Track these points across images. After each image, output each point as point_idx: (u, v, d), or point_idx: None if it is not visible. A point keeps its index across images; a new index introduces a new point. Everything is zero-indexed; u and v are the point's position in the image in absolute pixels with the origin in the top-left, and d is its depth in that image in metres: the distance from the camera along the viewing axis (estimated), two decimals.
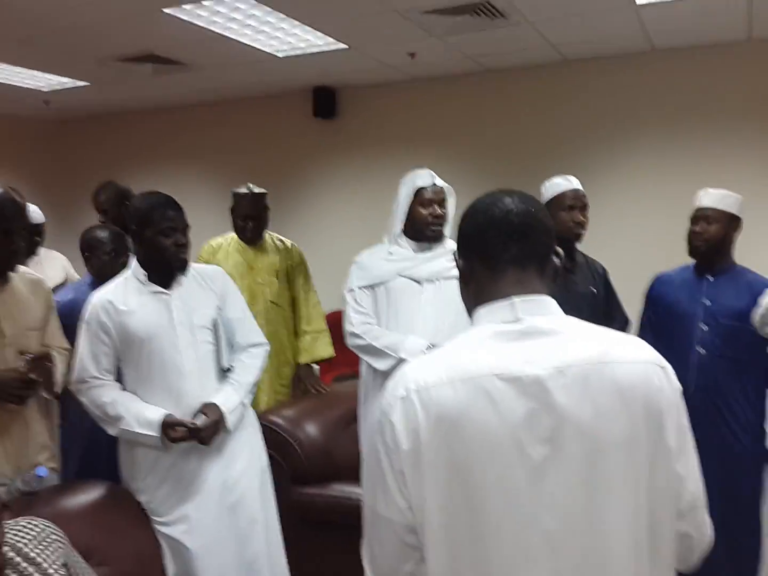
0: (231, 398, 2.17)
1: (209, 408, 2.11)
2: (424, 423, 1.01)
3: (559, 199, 2.60)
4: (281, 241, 3.45)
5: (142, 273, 2.18)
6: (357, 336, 2.53)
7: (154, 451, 2.11)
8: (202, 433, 2.05)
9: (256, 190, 3.32)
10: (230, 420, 2.14)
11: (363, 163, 5.83)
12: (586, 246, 2.75)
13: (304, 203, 6.03)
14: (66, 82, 5.62)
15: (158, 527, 2.14)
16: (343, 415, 2.97)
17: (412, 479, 1.01)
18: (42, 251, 3.31)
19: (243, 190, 3.30)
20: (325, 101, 5.83)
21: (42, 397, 2.20)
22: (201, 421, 2.06)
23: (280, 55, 4.86)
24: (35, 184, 7.64)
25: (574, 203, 2.59)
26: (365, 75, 5.48)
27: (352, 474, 2.59)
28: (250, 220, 3.26)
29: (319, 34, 4.39)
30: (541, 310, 1.07)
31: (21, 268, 2.21)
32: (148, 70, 5.16)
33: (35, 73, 5.38)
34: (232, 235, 3.39)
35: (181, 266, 2.19)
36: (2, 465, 2.04)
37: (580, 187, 2.64)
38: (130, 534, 2.07)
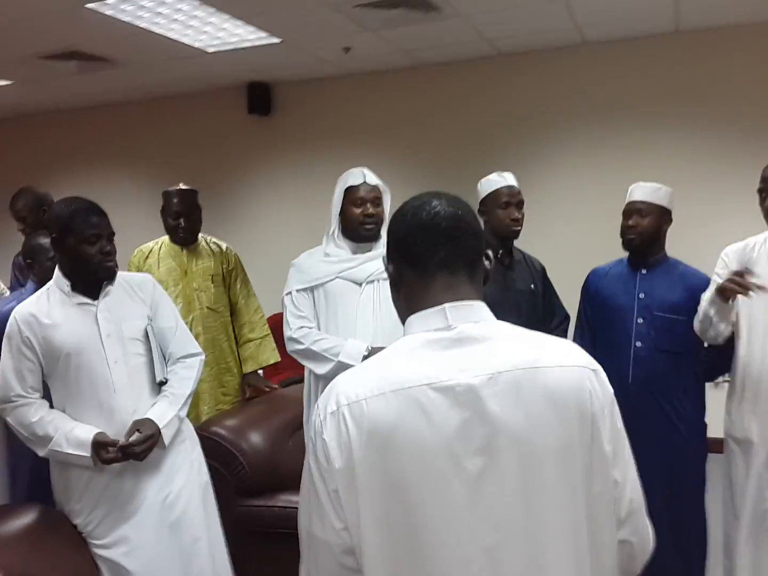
0: (166, 412, 2.08)
1: (143, 423, 2.02)
2: (356, 438, 0.97)
3: (495, 197, 2.59)
4: (216, 244, 3.34)
5: (65, 283, 2.08)
6: (295, 341, 2.47)
7: (88, 471, 2.02)
8: (135, 449, 1.96)
9: (185, 187, 3.23)
10: (166, 434, 2.06)
11: (300, 161, 5.74)
12: (523, 243, 2.75)
13: (240, 204, 5.92)
14: None
15: (96, 550, 2.05)
16: (289, 421, 2.90)
17: (347, 498, 0.98)
18: None
19: (172, 188, 3.21)
20: (259, 97, 5.72)
21: None
22: (134, 437, 1.97)
23: (210, 50, 4.74)
24: None
25: (509, 200, 2.58)
26: (300, 70, 5.39)
27: (299, 483, 2.53)
28: (181, 217, 3.16)
29: (251, 28, 4.29)
30: (472, 316, 1.05)
31: None
32: (73, 68, 4.96)
33: None
34: (164, 239, 3.27)
35: (108, 275, 2.09)
36: None
37: (515, 183, 2.64)
38: (67, 559, 1.98)
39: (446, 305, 1.04)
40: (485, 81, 5.17)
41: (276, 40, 4.57)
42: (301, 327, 2.48)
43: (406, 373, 1.00)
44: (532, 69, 5.03)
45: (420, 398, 0.97)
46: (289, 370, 3.97)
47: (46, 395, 2.10)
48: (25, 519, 2.04)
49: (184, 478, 2.14)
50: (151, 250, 3.21)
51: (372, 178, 2.51)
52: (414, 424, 0.97)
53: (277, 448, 2.84)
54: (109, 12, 3.85)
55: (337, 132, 5.60)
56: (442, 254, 1.06)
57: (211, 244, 3.32)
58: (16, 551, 1.89)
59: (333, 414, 0.99)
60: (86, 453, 1.96)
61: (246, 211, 5.89)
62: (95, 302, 2.08)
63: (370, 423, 0.97)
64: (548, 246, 3.64)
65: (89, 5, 3.72)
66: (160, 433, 2.03)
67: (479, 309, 1.07)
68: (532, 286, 2.63)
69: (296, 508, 2.55)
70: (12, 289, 3.42)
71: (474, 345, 1.01)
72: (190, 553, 2.07)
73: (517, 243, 2.71)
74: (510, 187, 2.62)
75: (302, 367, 2.63)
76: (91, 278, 2.07)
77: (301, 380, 2.83)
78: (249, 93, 5.73)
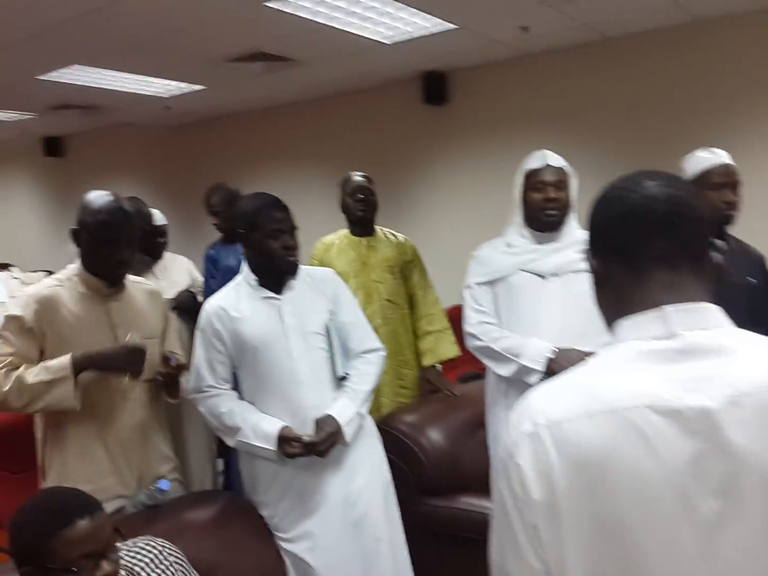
0: (347, 409, 2.06)
1: (325, 420, 2.01)
2: (558, 467, 0.82)
3: (705, 177, 2.28)
4: (394, 235, 3.32)
5: (252, 278, 2.11)
6: (475, 337, 2.35)
7: (273, 464, 2.04)
8: (318, 447, 1.95)
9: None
10: (347, 432, 2.03)
11: (477, 149, 5.59)
12: (742, 231, 2.40)
13: (416, 195, 5.88)
14: (183, 87, 5.76)
15: (281, 543, 2.07)
16: (469, 419, 2.80)
17: (548, 536, 0.82)
18: (167, 255, 3.35)
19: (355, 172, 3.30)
20: (435, 86, 5.64)
21: (161, 409, 2.19)
22: (317, 435, 1.96)
23: (387, 42, 4.72)
24: (156, 188, 7.97)
25: (724, 180, 2.26)
26: (475, 55, 5.23)
27: (481, 485, 2.42)
28: (359, 193, 3.17)
29: (427, 15, 4.20)
30: (702, 322, 0.86)
31: (136, 278, 2.19)
32: (258, 69, 5.18)
33: (152, 79, 5.55)
34: (344, 232, 3.29)
35: (291, 270, 2.10)
36: (127, 477, 2.03)
37: (730, 161, 2.31)
38: (253, 550, 2.01)
39: (667, 308, 0.87)
40: (679, 52, 4.69)
41: (452, 26, 4.45)
42: (481, 322, 2.35)
43: (620, 391, 0.83)
44: (730, 35, 4.48)
45: (639, 422, 0.81)
46: (467, 365, 3.86)
47: (236, 386, 2.16)
48: (214, 507, 2.10)
49: (365, 476, 2.11)
50: (333, 243, 3.24)
51: (555, 160, 2.31)
52: (632, 453, 0.80)
53: (458, 446, 2.75)
54: (288, 9, 3.94)
55: (516, 117, 5.38)
56: (661, 246, 0.88)
57: (389, 236, 3.29)
58: (204, 538, 1.94)
59: (530, 436, 0.85)
60: (271, 446, 1.98)
61: (422, 202, 5.85)
62: (280, 296, 2.10)
63: (576, 449, 0.82)
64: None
65: (268, 3, 3.83)
66: (341, 430, 2.01)
67: (710, 312, 0.88)
68: (752, 279, 2.30)
69: (478, 511, 2.48)
70: (206, 281, 3.62)
71: (706, 358, 0.83)
72: (371, 554, 2.03)
73: (735, 231, 2.38)
74: (725, 165, 2.29)
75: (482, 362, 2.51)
76: (276, 272, 2.09)
77: (481, 376, 2.71)
78: (424, 83, 5.68)
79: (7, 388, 1.88)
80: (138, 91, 5.90)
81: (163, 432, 2.18)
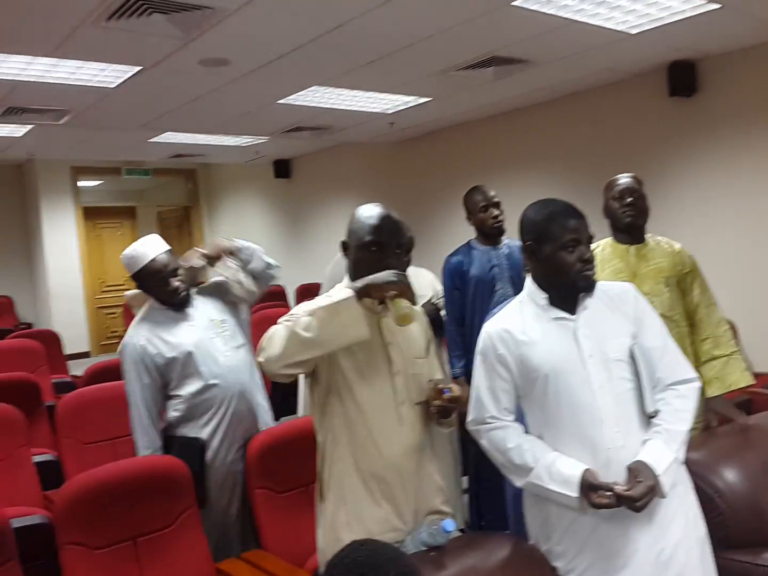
0: (663, 455, 1.72)
1: (640, 469, 1.69)
2: None
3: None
4: (668, 243, 2.91)
5: (541, 296, 1.86)
6: None
7: (570, 511, 1.76)
8: (636, 502, 1.64)
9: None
10: (665, 482, 1.70)
11: (736, 144, 4.92)
12: None
13: (665, 198, 5.31)
14: (409, 100, 5.74)
15: None
16: None
17: None
18: (411, 269, 3.24)
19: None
20: (682, 77, 5.08)
21: (433, 435, 2.01)
22: (636, 488, 1.65)
23: (633, 31, 4.29)
24: (383, 203, 8.09)
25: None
26: (734, 38, 4.62)
27: None
28: (628, 196, 2.82)
29: None
30: None
31: None
32: (489, 75, 4.99)
33: (381, 95, 5.58)
34: (607, 240, 2.95)
35: (588, 286, 1.82)
36: (403, 507, 1.86)
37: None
38: None
39: None
40: None
41: (714, 6, 3.93)
42: None
43: None
44: None
45: None
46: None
47: (519, 418, 1.91)
48: (501, 552, 1.87)
49: (680, 532, 1.76)
50: (595, 253, 2.90)
51: None
52: None
53: (760, 490, 2.29)
54: (534, 7, 3.69)
55: None
56: None
57: (663, 244, 2.90)
58: None
59: None
60: (573, 493, 1.71)
61: (670, 206, 5.27)
62: (573, 317, 1.83)
63: None
64: None
65: (516, 3, 3.60)
66: (658, 482, 1.68)
67: None
68: None
69: None
70: (449, 293, 3.47)
71: None
72: None
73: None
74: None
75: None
76: (569, 289, 1.82)
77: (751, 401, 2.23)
78: (670, 74, 5.14)
79: (305, 321, 1.69)
80: (365, 109, 5.99)
81: (436, 459, 1.99)
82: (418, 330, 2.00)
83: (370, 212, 1.89)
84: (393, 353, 1.89)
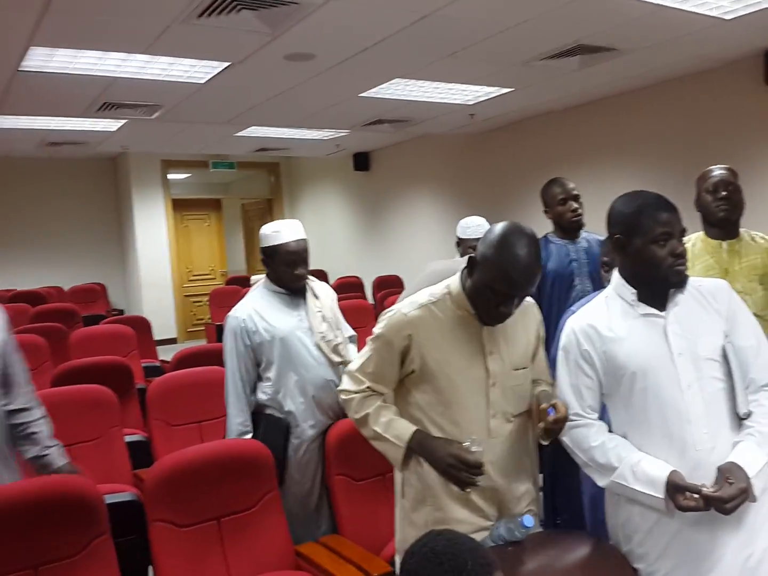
0: (757, 457, 1.65)
1: (732, 471, 1.62)
2: None
3: None
4: (763, 238, 2.78)
5: (629, 291, 1.81)
6: None
7: (655, 513, 1.71)
8: (727, 504, 1.58)
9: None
10: (756, 485, 1.63)
11: None
12: None
13: (762, 190, 5.06)
14: (491, 91, 5.67)
15: None
16: None
17: None
18: None
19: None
20: None
21: (529, 442, 1.97)
22: (726, 490, 1.59)
23: (728, 17, 4.10)
24: (454, 195, 8.05)
25: None
26: None
27: None
28: (722, 189, 2.71)
29: None
30: None
31: None
32: (574, 64, 4.88)
33: (462, 86, 5.54)
34: (698, 235, 2.84)
35: (680, 282, 1.76)
36: (488, 514, 1.87)
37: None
38: None
39: None
40: None
41: None
42: None
43: None
44: None
45: None
46: None
47: (603, 416, 1.87)
48: (580, 551, 1.85)
49: None
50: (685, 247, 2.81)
51: None
52: None
53: None
54: None
55: None
56: None
57: (758, 239, 2.77)
58: None
59: None
60: (659, 494, 1.66)
61: (765, 196, 5.03)
62: (663, 313, 1.77)
63: None
64: None
65: None
66: (749, 484, 1.62)
67: None
68: None
69: None
70: None
71: None
72: None
73: None
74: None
75: None
76: (660, 285, 1.77)
77: None
78: (766, 61, 4.89)
79: (357, 417, 1.94)
80: (445, 101, 5.96)
81: (528, 466, 1.96)
82: (524, 335, 1.96)
83: (514, 253, 1.73)
84: (491, 364, 1.87)
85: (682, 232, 1.77)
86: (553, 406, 1.75)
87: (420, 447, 1.84)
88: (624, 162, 6.08)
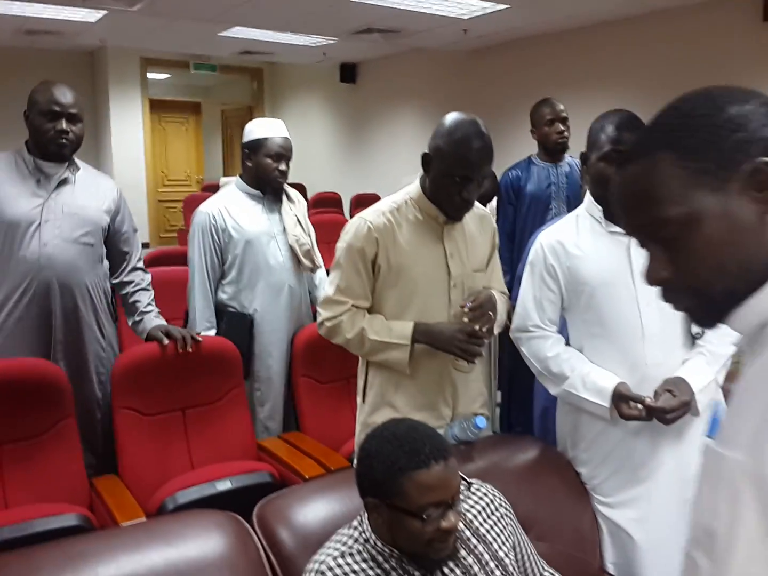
0: (703, 374, 1.73)
1: (677, 384, 1.69)
2: None
3: None
4: None
5: (597, 208, 1.84)
6: None
7: (600, 422, 1.80)
8: (667, 414, 1.65)
9: None
10: (701, 400, 1.70)
11: None
12: None
13: None
14: (486, 6, 5.51)
15: (599, 507, 1.85)
16: None
17: None
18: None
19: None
20: None
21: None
22: (669, 401, 1.66)
23: None
24: (443, 115, 7.91)
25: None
26: None
27: None
28: None
29: None
30: None
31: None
32: None
33: None
34: None
35: None
36: (443, 413, 1.94)
37: None
38: (570, 509, 1.82)
39: None
40: None
41: None
42: None
43: None
44: None
45: None
46: None
47: (561, 329, 1.93)
48: (527, 453, 1.94)
49: None
50: None
51: None
52: None
53: None
54: None
55: None
56: None
57: None
58: (522, 487, 1.79)
59: None
60: (604, 402, 1.73)
61: None
62: None
63: None
64: None
65: None
66: (693, 399, 1.69)
67: None
68: None
69: None
70: (502, 207, 3.44)
71: None
72: None
73: None
74: None
75: None
76: None
77: None
78: None
79: (352, 336, 1.90)
80: (439, 12, 5.78)
81: (483, 367, 2.04)
82: (483, 240, 2.00)
83: (465, 134, 1.78)
84: (453, 266, 1.91)
85: None
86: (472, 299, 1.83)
87: (425, 335, 1.85)
88: (614, 91, 5.99)
